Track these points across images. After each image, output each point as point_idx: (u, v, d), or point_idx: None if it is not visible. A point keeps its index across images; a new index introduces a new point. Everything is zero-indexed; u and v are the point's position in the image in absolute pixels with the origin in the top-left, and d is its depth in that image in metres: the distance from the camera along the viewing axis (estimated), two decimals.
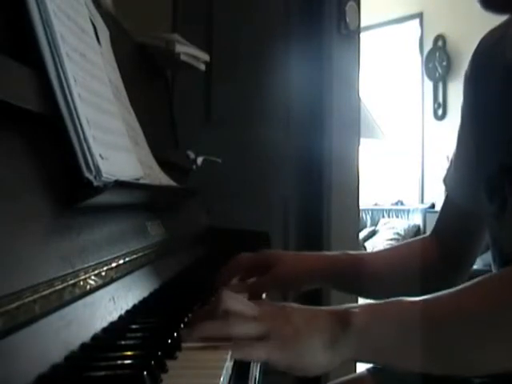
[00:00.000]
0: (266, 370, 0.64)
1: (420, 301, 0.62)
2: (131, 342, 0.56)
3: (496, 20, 0.85)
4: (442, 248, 0.96)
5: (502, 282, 0.61)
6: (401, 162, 5.57)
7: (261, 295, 0.91)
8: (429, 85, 5.34)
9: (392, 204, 5.51)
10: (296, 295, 0.96)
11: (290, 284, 0.94)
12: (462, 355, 0.60)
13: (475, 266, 0.99)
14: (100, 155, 0.59)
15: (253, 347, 0.58)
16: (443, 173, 1.00)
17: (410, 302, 0.62)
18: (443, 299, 0.62)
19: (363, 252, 1.04)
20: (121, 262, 0.68)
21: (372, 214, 5.52)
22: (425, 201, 5.29)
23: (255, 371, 0.62)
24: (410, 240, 1.06)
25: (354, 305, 0.63)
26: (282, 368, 0.58)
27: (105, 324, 0.58)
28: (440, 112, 5.22)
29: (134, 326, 0.61)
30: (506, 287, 0.59)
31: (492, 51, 0.85)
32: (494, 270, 0.86)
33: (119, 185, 0.61)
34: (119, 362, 0.49)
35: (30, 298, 0.44)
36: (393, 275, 0.95)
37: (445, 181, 0.98)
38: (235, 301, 0.63)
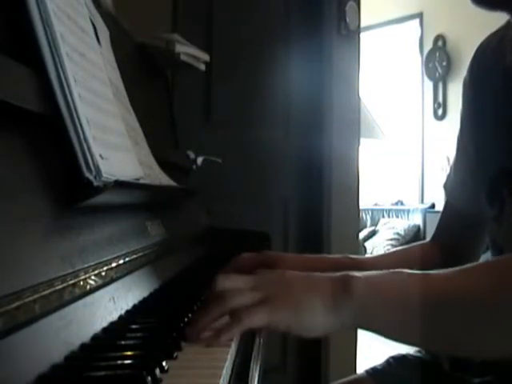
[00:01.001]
0: (267, 369, 0.64)
1: (422, 275, 0.62)
2: (131, 341, 0.56)
3: (496, 20, 0.86)
4: (442, 253, 0.96)
5: (507, 264, 0.60)
6: (401, 162, 5.56)
7: None
8: (429, 85, 5.34)
9: (392, 204, 5.51)
10: None
11: None
12: (459, 334, 0.60)
13: None
14: (100, 155, 0.59)
15: (252, 313, 0.57)
16: (443, 173, 1.00)
17: (412, 274, 0.62)
18: (446, 277, 0.62)
19: (364, 256, 1.04)
20: (121, 261, 0.68)
21: (372, 214, 5.52)
22: (425, 201, 5.29)
23: (255, 371, 0.62)
24: (409, 245, 1.06)
25: (355, 272, 0.63)
26: (282, 329, 0.58)
27: (105, 324, 0.58)
28: (440, 112, 5.22)
29: (133, 326, 0.61)
30: (510, 271, 0.59)
31: (491, 56, 0.85)
32: None
33: (119, 185, 0.61)
34: (119, 362, 0.49)
35: (30, 298, 0.44)
36: None
37: (445, 186, 0.98)
38: (229, 279, 0.63)
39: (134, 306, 0.68)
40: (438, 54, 5.25)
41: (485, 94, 0.85)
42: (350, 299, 0.59)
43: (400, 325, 0.60)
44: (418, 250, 1.01)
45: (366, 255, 4.49)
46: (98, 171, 0.57)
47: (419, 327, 0.59)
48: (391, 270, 0.63)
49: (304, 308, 0.59)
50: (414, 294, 0.60)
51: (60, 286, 0.49)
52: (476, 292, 0.59)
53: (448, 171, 0.98)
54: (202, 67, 1.55)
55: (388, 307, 0.60)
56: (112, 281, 0.63)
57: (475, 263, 0.62)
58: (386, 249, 4.93)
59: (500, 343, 0.58)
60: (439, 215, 1.01)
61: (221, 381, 0.48)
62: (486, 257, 0.89)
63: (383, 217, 5.45)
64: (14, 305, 0.41)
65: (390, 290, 0.61)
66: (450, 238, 0.97)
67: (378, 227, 5.36)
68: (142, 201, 0.85)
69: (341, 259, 0.96)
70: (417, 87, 5.45)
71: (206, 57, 1.54)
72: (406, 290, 0.61)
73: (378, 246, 5.05)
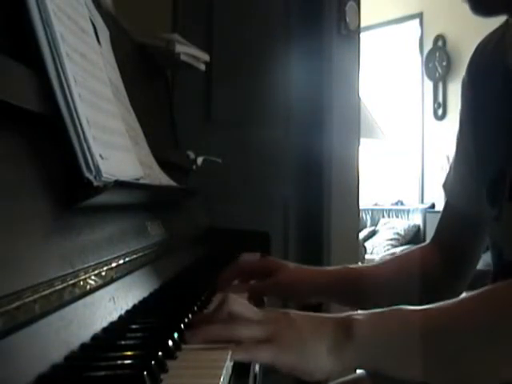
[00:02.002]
0: (267, 370, 0.64)
1: (422, 310, 0.62)
2: (131, 341, 0.56)
3: (496, 20, 0.85)
4: (443, 255, 0.96)
5: (504, 294, 0.61)
6: (401, 161, 5.57)
7: (261, 298, 0.92)
8: (429, 85, 5.34)
9: (392, 204, 5.51)
10: (297, 308, 0.96)
11: (290, 294, 0.95)
12: (462, 367, 0.61)
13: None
14: (100, 155, 0.59)
15: (258, 348, 0.58)
16: (443, 173, 1.00)
17: (412, 311, 0.62)
18: (445, 310, 0.62)
19: (362, 266, 1.05)
20: (121, 261, 0.68)
21: (372, 214, 5.52)
22: (425, 201, 5.29)
23: (255, 371, 0.62)
24: (408, 250, 1.05)
25: (357, 312, 0.64)
26: (285, 371, 0.59)
27: (105, 324, 0.58)
28: (440, 112, 5.22)
29: (133, 326, 0.61)
30: (508, 300, 0.59)
31: (490, 55, 0.84)
32: (492, 271, 0.86)
33: (119, 185, 0.61)
34: (119, 361, 0.49)
35: (30, 298, 0.44)
36: (393, 288, 0.95)
37: (444, 186, 0.98)
38: (240, 304, 0.63)
39: (134, 306, 0.68)
40: (438, 54, 5.25)
41: (484, 94, 0.84)
42: (352, 341, 0.60)
43: (402, 363, 0.61)
44: (418, 254, 1.00)
45: (366, 256, 4.50)
46: (98, 171, 0.57)
47: (422, 364, 0.60)
48: (392, 308, 0.63)
49: (307, 351, 0.59)
50: (417, 329, 0.60)
51: (60, 286, 0.49)
52: (476, 325, 0.60)
53: (448, 171, 0.98)
54: (202, 67, 1.55)
55: (390, 347, 0.61)
56: (112, 281, 0.63)
57: (474, 292, 0.62)
58: (385, 249, 4.93)
59: (502, 373, 0.59)
60: (439, 215, 1.01)
61: (221, 381, 0.48)
62: (486, 257, 0.89)
63: (383, 217, 5.45)
64: (14, 305, 0.41)
65: (392, 327, 0.62)
66: (450, 238, 0.96)
67: (378, 227, 5.36)
68: (142, 201, 0.85)
69: (340, 270, 0.96)
70: (417, 87, 5.45)
71: (206, 57, 1.54)
72: (408, 325, 0.61)
73: (378, 246, 5.05)
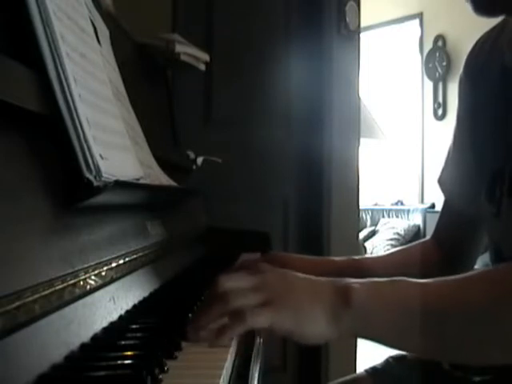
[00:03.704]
0: (267, 370, 0.64)
1: (421, 284, 0.62)
2: (131, 341, 0.56)
3: (495, 20, 0.85)
4: (441, 251, 0.97)
5: (506, 274, 0.61)
6: (401, 161, 5.56)
7: None
8: (429, 85, 5.34)
9: (392, 204, 5.51)
10: None
11: None
12: (459, 342, 0.60)
13: (475, 266, 0.99)
14: (100, 155, 0.59)
15: (255, 314, 0.57)
16: None
17: (411, 283, 0.62)
18: (446, 285, 0.62)
19: (367, 257, 1.05)
20: (121, 262, 0.68)
21: (372, 214, 5.51)
22: (425, 201, 5.28)
23: (255, 371, 0.62)
24: (410, 244, 1.06)
25: (356, 280, 0.63)
26: (282, 334, 0.59)
27: (105, 324, 0.58)
28: (440, 112, 5.22)
29: (133, 326, 0.61)
30: (509, 280, 0.59)
31: (488, 53, 0.84)
32: None
33: (119, 185, 0.61)
34: (119, 361, 0.49)
35: (30, 298, 0.44)
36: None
37: (439, 181, 0.98)
38: (231, 278, 0.63)
39: (134, 306, 0.69)
40: (438, 54, 5.25)
41: (481, 92, 0.85)
42: (350, 309, 0.60)
43: (400, 333, 0.61)
44: (419, 248, 1.01)
45: (367, 255, 4.50)
46: (98, 171, 0.57)
47: (419, 336, 0.60)
48: (391, 279, 0.63)
49: (305, 316, 0.59)
50: (414, 303, 0.60)
51: (60, 286, 0.49)
52: (476, 301, 0.60)
53: (443, 165, 0.98)
54: (202, 67, 1.55)
55: (387, 316, 0.60)
56: (112, 281, 0.63)
57: (475, 271, 0.62)
58: (386, 249, 4.93)
59: (500, 351, 0.59)
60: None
61: (221, 381, 0.48)
62: (485, 256, 0.89)
63: (383, 217, 5.44)
64: (14, 305, 0.41)
65: (389, 299, 0.62)
66: (448, 235, 0.97)
67: (378, 227, 5.35)
68: (142, 201, 0.85)
69: (345, 261, 0.97)
70: (417, 87, 5.44)
71: (206, 57, 1.54)
72: (406, 299, 0.61)
73: (378, 245, 5.05)
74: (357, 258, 0.99)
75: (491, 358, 0.61)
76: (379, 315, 0.60)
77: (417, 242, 1.06)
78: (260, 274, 0.64)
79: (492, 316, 0.58)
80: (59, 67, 0.55)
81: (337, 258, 0.99)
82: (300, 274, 0.65)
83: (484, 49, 0.86)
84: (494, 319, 0.58)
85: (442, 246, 0.97)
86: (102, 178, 0.57)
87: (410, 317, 0.60)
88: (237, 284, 0.62)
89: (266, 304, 0.58)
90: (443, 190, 0.98)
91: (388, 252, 1.10)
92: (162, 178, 1.00)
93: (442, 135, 4.77)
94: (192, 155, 1.51)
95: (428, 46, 5.35)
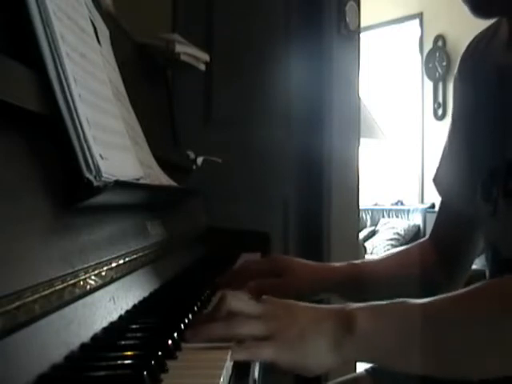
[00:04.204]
0: (266, 369, 0.64)
1: (423, 304, 0.62)
2: (131, 341, 0.56)
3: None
4: (438, 252, 0.97)
5: (505, 288, 0.61)
6: (401, 161, 5.56)
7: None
8: (429, 85, 5.34)
9: (392, 204, 5.50)
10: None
11: (302, 294, 0.95)
12: (464, 360, 0.61)
13: (474, 266, 0.99)
14: (100, 155, 0.59)
15: (259, 347, 0.58)
16: None
17: (413, 305, 0.63)
18: (447, 304, 0.63)
19: (365, 261, 1.05)
20: (121, 262, 0.68)
21: (372, 214, 5.51)
22: (425, 201, 5.28)
23: (255, 371, 0.62)
24: (408, 246, 1.06)
25: (358, 305, 0.63)
26: (285, 368, 0.59)
27: (105, 324, 0.58)
28: (440, 112, 5.22)
29: (133, 326, 0.61)
30: (509, 294, 0.59)
31: (482, 53, 0.85)
32: (488, 270, 0.86)
33: (119, 185, 0.61)
34: (119, 361, 0.49)
35: (30, 298, 0.44)
36: (393, 283, 0.95)
37: (435, 181, 0.98)
38: (239, 301, 0.63)
39: (134, 306, 0.69)
40: (438, 54, 5.25)
41: (476, 92, 0.85)
42: (352, 337, 0.60)
43: (403, 356, 0.61)
44: (417, 249, 1.01)
45: (366, 255, 4.49)
46: (98, 171, 0.57)
47: (421, 356, 0.60)
48: (392, 301, 0.63)
49: (308, 349, 0.59)
50: (415, 324, 0.61)
51: (60, 286, 0.49)
52: (477, 318, 0.60)
53: (438, 165, 0.98)
54: (202, 67, 1.55)
55: (390, 340, 0.61)
56: (112, 281, 0.63)
57: (475, 286, 0.63)
58: (386, 249, 4.93)
59: (502, 366, 0.59)
60: None
61: (221, 381, 0.48)
62: (482, 258, 0.89)
63: (383, 217, 5.44)
64: (13, 305, 0.41)
65: (390, 322, 0.62)
66: (446, 235, 0.97)
67: (378, 227, 5.35)
68: (142, 201, 0.85)
69: (345, 267, 0.97)
70: (417, 87, 5.44)
71: (206, 57, 1.54)
72: (407, 320, 0.62)
73: (377, 245, 5.05)
74: (356, 262, 1.00)
75: (494, 372, 0.61)
76: (381, 340, 0.60)
77: (415, 243, 1.06)
78: (266, 303, 0.64)
79: (493, 331, 0.59)
80: (59, 67, 0.55)
81: (337, 264, 0.99)
82: (303, 304, 0.65)
83: (478, 48, 0.86)
84: (495, 334, 0.59)
85: (440, 246, 0.97)
86: (102, 178, 0.57)
87: (411, 338, 0.60)
88: (243, 308, 0.62)
89: (270, 337, 0.59)
90: (439, 190, 0.98)
91: (386, 254, 1.10)
92: (162, 178, 1.00)
93: (442, 135, 4.74)
94: (192, 155, 1.51)
95: (428, 46, 5.35)
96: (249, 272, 0.95)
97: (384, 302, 0.63)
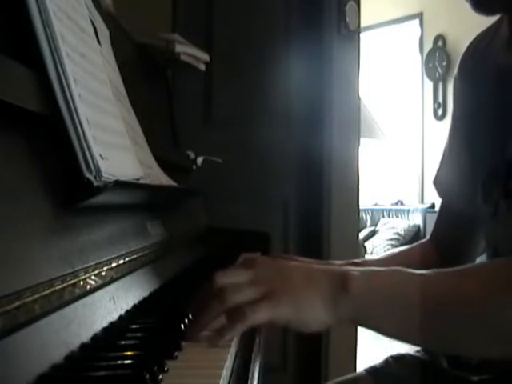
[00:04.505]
0: (267, 368, 0.64)
1: (421, 275, 0.62)
2: (131, 341, 0.56)
3: (495, 19, 0.85)
4: (439, 253, 0.97)
5: (506, 264, 0.61)
6: (401, 161, 5.56)
7: None
8: (429, 85, 5.34)
9: (392, 204, 5.51)
10: None
11: None
12: (457, 334, 0.61)
13: None
14: (100, 155, 0.59)
15: (254, 311, 0.58)
16: None
17: (411, 273, 0.62)
18: (445, 276, 0.62)
19: (366, 260, 1.05)
20: (121, 262, 0.68)
21: (372, 214, 5.51)
22: (425, 201, 5.29)
23: (255, 371, 0.62)
24: (409, 246, 1.06)
25: (354, 268, 0.64)
26: (281, 324, 0.59)
27: (105, 324, 0.58)
28: (440, 112, 5.22)
29: (133, 326, 0.61)
30: (507, 273, 0.59)
31: (482, 53, 0.85)
32: None
33: (119, 185, 0.61)
34: (119, 361, 0.49)
35: (30, 298, 0.44)
36: None
37: (435, 183, 0.98)
38: (227, 274, 0.62)
39: (134, 306, 0.68)
40: (438, 54, 5.25)
41: (476, 92, 0.85)
42: (348, 296, 0.60)
43: (398, 322, 0.61)
44: (417, 250, 1.01)
45: (366, 255, 4.49)
46: (98, 171, 0.57)
47: (418, 325, 0.60)
48: (391, 268, 0.63)
49: (304, 304, 0.59)
50: (413, 293, 0.60)
51: (60, 286, 0.49)
52: (474, 292, 0.60)
53: (438, 167, 0.98)
54: (202, 67, 1.55)
55: (386, 305, 0.61)
56: (112, 281, 0.63)
57: (475, 264, 0.63)
58: (386, 249, 4.93)
59: (497, 343, 0.59)
60: None
61: (221, 381, 0.48)
62: (483, 258, 0.89)
63: (383, 217, 5.45)
64: (13, 305, 0.41)
65: (388, 288, 0.62)
66: (446, 236, 0.97)
67: (378, 227, 5.36)
68: (142, 201, 0.85)
69: (346, 265, 0.97)
70: (417, 87, 5.45)
71: (206, 57, 1.54)
72: (405, 288, 0.62)
73: (377, 245, 5.05)
74: (356, 261, 1.00)
75: (488, 349, 0.61)
76: (377, 302, 0.61)
77: (415, 243, 1.06)
78: (255, 267, 0.64)
79: (489, 308, 0.59)
80: (59, 67, 0.55)
81: (337, 262, 0.99)
82: (295, 263, 0.65)
83: (479, 49, 0.86)
84: (491, 311, 0.58)
85: (440, 246, 0.97)
86: (102, 178, 0.57)
87: (408, 305, 0.60)
88: (232, 279, 0.61)
89: (264, 298, 0.58)
90: (439, 191, 0.98)
91: (387, 254, 1.10)
92: (162, 178, 1.00)
93: (442, 135, 4.75)
94: (192, 155, 1.51)
95: (428, 46, 5.35)
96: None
97: (382, 268, 0.63)
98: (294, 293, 0.60)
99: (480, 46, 0.86)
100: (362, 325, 0.62)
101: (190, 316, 0.66)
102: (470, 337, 0.60)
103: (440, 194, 0.98)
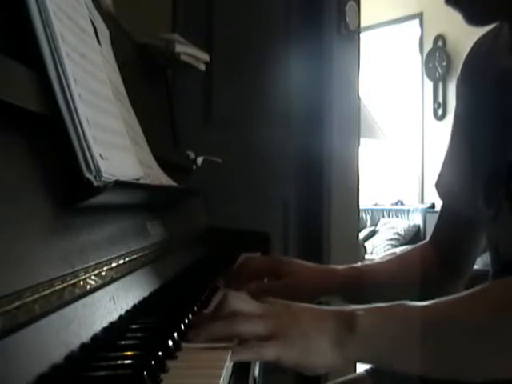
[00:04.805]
0: (266, 369, 0.64)
1: (422, 307, 0.63)
2: (131, 341, 0.56)
3: None
4: (439, 254, 0.97)
5: (505, 291, 0.61)
6: (401, 161, 5.56)
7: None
8: (429, 85, 5.34)
9: (392, 204, 5.51)
10: None
11: (303, 296, 0.95)
12: (464, 362, 0.62)
13: (475, 266, 0.99)
14: (100, 155, 0.59)
15: (261, 347, 0.58)
16: None
17: (412, 307, 0.63)
18: (447, 306, 0.63)
19: (366, 264, 1.05)
20: (121, 262, 0.68)
21: (372, 214, 5.51)
22: (425, 201, 5.29)
23: (255, 371, 0.62)
24: (409, 248, 1.06)
25: (359, 306, 0.64)
26: (289, 366, 0.59)
27: (105, 324, 0.58)
28: (440, 112, 5.22)
29: (133, 326, 0.61)
30: (509, 297, 0.59)
31: (485, 55, 0.85)
32: (491, 271, 0.86)
33: (119, 185, 0.61)
34: (119, 361, 0.49)
35: (30, 298, 0.44)
36: (394, 286, 0.96)
37: (437, 186, 0.98)
38: (240, 300, 0.63)
39: (134, 306, 0.68)
40: (438, 54, 5.25)
41: (479, 94, 0.85)
42: (354, 335, 0.60)
43: (404, 357, 0.62)
44: (418, 252, 1.01)
45: (366, 255, 4.49)
46: (98, 171, 0.57)
47: (422, 357, 0.61)
48: (393, 303, 0.64)
49: (310, 347, 0.60)
50: (415, 325, 0.61)
51: (60, 286, 0.49)
52: (475, 317, 0.61)
53: (440, 170, 0.98)
54: (202, 67, 1.55)
55: (390, 343, 0.61)
56: (112, 281, 0.63)
57: (476, 288, 0.63)
58: (386, 249, 4.93)
59: (503, 369, 0.60)
60: None
61: (221, 381, 0.48)
62: (486, 257, 0.89)
63: (383, 217, 5.44)
64: (13, 305, 0.41)
65: (391, 323, 0.63)
66: (447, 237, 0.97)
67: (378, 227, 5.35)
68: (142, 201, 0.85)
69: (347, 270, 0.97)
70: (417, 87, 5.45)
71: (206, 57, 1.54)
72: (407, 322, 0.62)
73: (377, 245, 5.05)
74: (357, 266, 1.00)
75: (494, 374, 0.62)
76: (382, 339, 0.61)
77: (416, 245, 1.06)
78: (268, 303, 0.65)
79: (492, 331, 0.59)
80: (59, 67, 0.55)
81: (339, 267, 0.99)
82: (304, 305, 0.65)
83: (482, 51, 0.86)
84: (493, 334, 0.59)
85: (441, 248, 0.97)
86: (102, 178, 0.57)
87: (411, 338, 0.61)
88: (245, 308, 0.62)
89: (273, 337, 0.59)
90: (440, 194, 0.98)
91: (387, 256, 1.10)
92: (162, 178, 1.00)
93: (442, 135, 4.77)
94: (192, 155, 1.51)
95: (428, 46, 5.35)
96: (248, 272, 0.95)
97: (385, 304, 0.64)
98: (302, 334, 0.60)
99: (482, 47, 0.86)
100: (370, 363, 0.63)
101: (190, 316, 0.66)
102: (475, 361, 0.61)
103: (441, 196, 0.97)
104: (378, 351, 0.61)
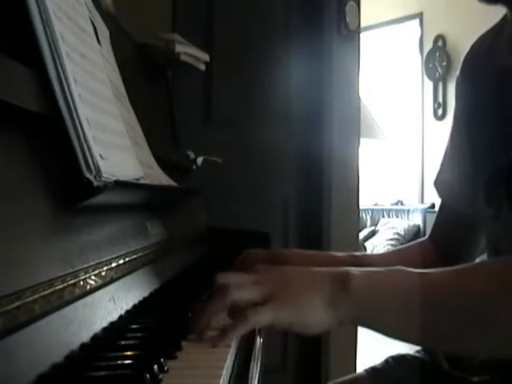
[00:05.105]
0: (267, 369, 0.64)
1: (421, 273, 0.62)
2: (131, 341, 0.56)
3: (495, 20, 0.86)
4: (438, 252, 0.97)
5: (505, 265, 0.61)
6: (401, 161, 5.56)
7: None
8: (429, 85, 5.34)
9: (392, 204, 5.50)
10: None
11: None
12: (459, 333, 0.61)
13: None
14: (100, 155, 0.59)
15: (257, 312, 0.58)
16: None
17: (411, 272, 0.63)
18: (445, 275, 0.63)
19: (366, 254, 1.06)
20: (121, 262, 0.68)
21: (372, 214, 5.51)
22: (425, 201, 5.28)
23: (255, 371, 0.62)
24: (409, 244, 1.06)
25: (355, 268, 0.64)
26: (283, 327, 0.59)
27: (105, 324, 0.58)
28: (440, 112, 5.22)
29: (133, 326, 0.61)
30: (505, 273, 0.59)
31: (484, 55, 0.85)
32: None
33: (119, 185, 0.61)
34: (119, 361, 0.49)
35: (30, 298, 0.44)
36: None
37: (436, 184, 0.98)
38: (230, 275, 0.64)
39: (134, 306, 0.68)
40: (437, 54, 5.25)
41: (479, 93, 0.85)
42: (348, 297, 0.60)
43: (398, 322, 0.61)
44: (417, 248, 1.01)
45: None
46: (98, 171, 0.57)
47: (417, 325, 0.60)
48: (390, 268, 0.63)
49: (304, 307, 0.60)
50: (413, 292, 0.61)
51: (60, 286, 0.49)
52: (474, 290, 0.60)
53: (439, 169, 0.98)
54: (202, 67, 1.55)
55: (386, 305, 0.61)
56: (112, 281, 0.63)
57: (474, 263, 0.63)
58: (385, 249, 4.93)
59: (498, 343, 0.59)
60: None
61: (221, 381, 0.48)
62: (484, 258, 0.89)
63: (383, 217, 5.44)
64: (14, 305, 0.41)
65: (388, 287, 0.62)
66: (445, 236, 0.97)
67: (378, 227, 5.35)
68: (142, 201, 0.85)
69: (346, 257, 0.97)
70: (417, 87, 5.44)
71: (206, 57, 1.54)
72: (405, 288, 0.62)
73: (377, 245, 5.05)
74: (357, 254, 1.00)
75: (488, 348, 0.61)
76: (377, 302, 0.61)
77: (414, 241, 1.06)
78: (257, 271, 0.65)
79: (489, 306, 0.59)
80: (59, 67, 0.55)
81: (337, 253, 0.99)
82: (296, 268, 0.65)
83: (482, 50, 0.86)
84: (491, 309, 0.59)
85: (440, 246, 0.97)
86: (102, 178, 0.57)
87: (407, 304, 0.60)
88: (235, 279, 0.63)
89: (266, 301, 0.59)
90: (440, 192, 0.98)
91: (387, 251, 1.10)
92: (162, 178, 1.00)
93: (442, 135, 4.77)
94: (192, 155, 1.51)
95: (428, 46, 5.35)
96: (249, 265, 0.95)
97: (382, 268, 0.64)
98: (296, 295, 0.60)
99: (483, 46, 0.86)
100: (363, 325, 0.63)
101: (190, 316, 0.66)
102: (470, 334, 0.60)
103: (440, 194, 0.97)
104: (370, 313, 0.61)
